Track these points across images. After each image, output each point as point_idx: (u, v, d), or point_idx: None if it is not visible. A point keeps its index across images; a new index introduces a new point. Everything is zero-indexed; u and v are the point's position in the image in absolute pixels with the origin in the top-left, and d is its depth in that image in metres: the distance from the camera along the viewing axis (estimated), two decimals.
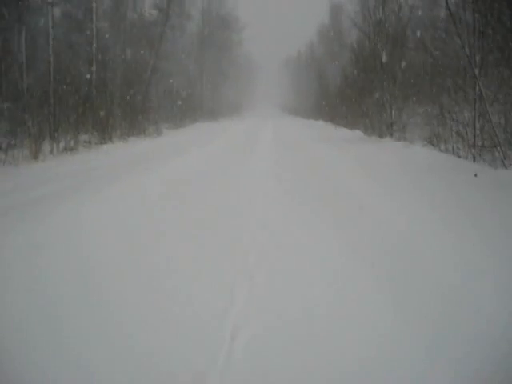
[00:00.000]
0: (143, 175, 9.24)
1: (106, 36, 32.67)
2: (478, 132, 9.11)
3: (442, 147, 10.86)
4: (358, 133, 19.12)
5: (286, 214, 6.42)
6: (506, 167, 8.08)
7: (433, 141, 11.24)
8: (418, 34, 13.66)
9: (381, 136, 15.25)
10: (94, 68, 22.67)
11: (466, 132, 9.67)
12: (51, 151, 14.35)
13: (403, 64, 14.18)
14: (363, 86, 16.81)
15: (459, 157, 10.00)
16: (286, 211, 6.55)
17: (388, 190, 7.39)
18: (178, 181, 9.17)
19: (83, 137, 16.90)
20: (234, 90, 65.94)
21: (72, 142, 15.51)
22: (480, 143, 9.10)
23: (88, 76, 21.67)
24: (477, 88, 8.91)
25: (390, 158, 10.92)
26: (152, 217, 6.36)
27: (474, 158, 9.18)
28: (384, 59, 14.54)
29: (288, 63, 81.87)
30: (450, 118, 10.07)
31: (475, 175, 7.35)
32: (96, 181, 8.79)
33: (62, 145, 15.01)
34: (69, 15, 33.32)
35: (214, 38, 51.95)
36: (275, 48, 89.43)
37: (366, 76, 16.28)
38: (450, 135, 10.52)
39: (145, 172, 9.66)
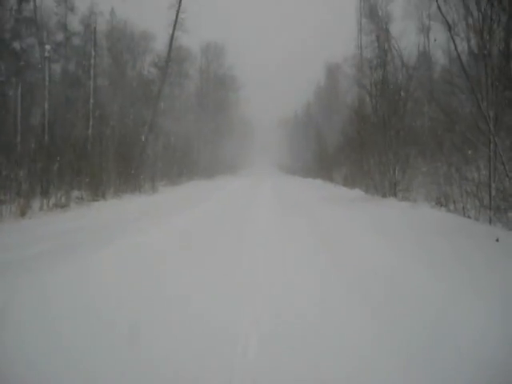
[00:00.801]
0: (130, 238, 8.18)
1: (105, 93, 33.17)
2: (493, 192, 8.51)
3: (452, 207, 10.27)
4: (358, 192, 18.60)
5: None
6: None
7: (441, 201, 10.67)
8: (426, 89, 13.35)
9: (384, 195, 14.70)
10: (90, 123, 22.43)
11: (479, 192, 9.11)
12: (41, 207, 13.78)
13: (404, 123, 13.85)
14: (364, 145, 16.36)
15: (469, 218, 9.43)
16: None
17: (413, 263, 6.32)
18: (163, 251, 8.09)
19: (76, 193, 16.37)
20: (231, 149, 66.08)
21: (63, 199, 14.96)
22: (495, 204, 8.50)
23: (87, 131, 21.54)
24: (491, 145, 8.41)
25: (399, 220, 10.09)
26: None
27: (490, 220, 8.54)
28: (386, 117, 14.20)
29: (285, 123, 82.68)
30: (461, 176, 9.53)
31: (497, 240, 6.65)
32: (78, 245, 7.96)
33: (53, 201, 14.44)
34: (68, 72, 33.81)
35: (212, 97, 52.65)
36: (272, 108, 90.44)
37: (368, 134, 15.87)
38: (460, 195, 9.97)
39: (132, 234, 8.66)
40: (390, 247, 7.07)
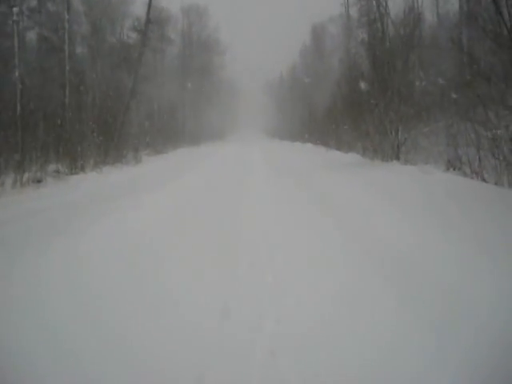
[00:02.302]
0: (106, 223, 7.05)
1: (84, 60, 31.69)
2: None
3: (467, 171, 9.21)
4: (355, 156, 17.49)
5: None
6: None
7: (454, 163, 9.58)
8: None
9: (384, 159, 13.59)
10: (67, 91, 21.08)
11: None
12: (14, 184, 12.60)
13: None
14: (362, 103, 15.02)
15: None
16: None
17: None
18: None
19: (53, 166, 15.16)
20: (217, 114, 64.63)
21: (39, 174, 13.76)
22: None
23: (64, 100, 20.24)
24: None
25: (414, 189, 8.54)
26: None
27: None
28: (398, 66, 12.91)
29: (270, 86, 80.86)
30: (488, 135, 8.30)
31: None
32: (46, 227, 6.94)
33: (27, 176, 13.23)
34: (44, 39, 32.19)
35: (196, 61, 51.10)
36: (258, 71, 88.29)
37: (366, 92, 14.56)
38: (477, 156, 8.90)
39: (109, 216, 7.58)
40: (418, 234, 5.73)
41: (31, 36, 32.32)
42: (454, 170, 9.57)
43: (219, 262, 5.15)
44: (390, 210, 7.19)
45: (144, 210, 8.11)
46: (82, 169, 16.10)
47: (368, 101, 14.12)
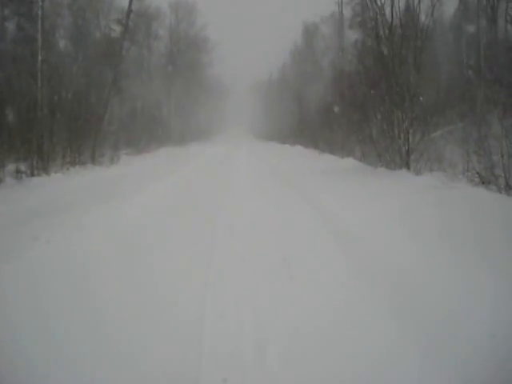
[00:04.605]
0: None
1: (65, 54, 30.10)
2: None
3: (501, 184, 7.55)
4: (352, 161, 15.78)
5: None
6: None
7: (483, 175, 7.90)
8: None
9: (390, 167, 11.88)
10: (39, 84, 19.27)
11: None
12: None
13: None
14: (364, 103, 13.25)
15: None
16: None
17: None
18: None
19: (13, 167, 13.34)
20: (204, 114, 63.01)
21: None
22: None
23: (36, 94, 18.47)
24: None
25: (448, 214, 6.04)
26: None
27: None
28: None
29: (259, 87, 79.33)
30: None
31: None
32: None
33: None
34: (22, 29, 30.50)
35: (183, 59, 49.60)
36: (247, 71, 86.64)
37: (369, 88, 12.78)
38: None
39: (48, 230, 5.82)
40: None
41: (8, 26, 31.00)
42: (483, 183, 7.90)
43: None
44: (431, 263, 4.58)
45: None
46: (45, 170, 14.21)
47: (373, 99, 12.39)
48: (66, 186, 12.04)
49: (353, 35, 38.50)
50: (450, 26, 32.98)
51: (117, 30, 35.36)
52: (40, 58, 20.01)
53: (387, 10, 12.56)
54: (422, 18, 12.46)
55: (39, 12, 21.12)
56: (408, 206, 7.11)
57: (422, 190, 8.02)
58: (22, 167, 13.68)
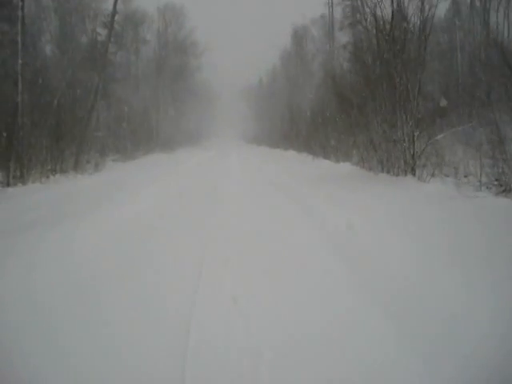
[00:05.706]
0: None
1: (51, 58, 29.32)
2: None
3: None
4: (348, 166, 14.94)
5: None
6: None
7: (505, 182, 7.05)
8: None
9: (392, 173, 11.05)
10: (19, 89, 18.36)
11: None
12: None
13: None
14: (364, 104, 12.37)
15: None
16: None
17: None
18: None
19: None
20: (194, 119, 62.12)
21: None
22: None
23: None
24: None
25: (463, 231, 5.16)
26: None
27: None
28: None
29: (249, 91, 78.61)
30: None
31: None
32: None
33: None
34: (4, 33, 29.66)
35: (172, 63, 48.84)
36: (236, 75, 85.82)
37: (368, 88, 11.92)
38: None
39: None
40: None
41: None
42: (504, 191, 7.07)
43: None
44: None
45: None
46: (22, 178, 13.21)
47: (373, 100, 11.55)
48: (35, 199, 10.59)
49: (343, 37, 38.30)
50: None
51: (103, 34, 34.77)
52: (20, 61, 19.09)
53: (387, 4, 11.76)
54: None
55: (19, 13, 20.20)
56: (429, 223, 5.82)
57: (436, 201, 7.02)
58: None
